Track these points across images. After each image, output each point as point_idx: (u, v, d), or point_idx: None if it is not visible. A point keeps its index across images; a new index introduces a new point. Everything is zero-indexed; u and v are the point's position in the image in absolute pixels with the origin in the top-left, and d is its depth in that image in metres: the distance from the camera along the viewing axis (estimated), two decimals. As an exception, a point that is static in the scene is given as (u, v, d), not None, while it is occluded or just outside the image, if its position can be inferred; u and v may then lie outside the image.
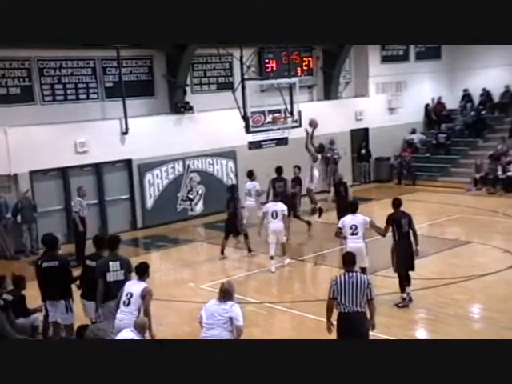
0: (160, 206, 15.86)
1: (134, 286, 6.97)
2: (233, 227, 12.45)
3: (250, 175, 13.72)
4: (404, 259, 9.00)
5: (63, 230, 14.15)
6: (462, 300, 9.42)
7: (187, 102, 16.21)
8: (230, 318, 6.11)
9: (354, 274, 6.46)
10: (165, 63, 16.17)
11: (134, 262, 7.62)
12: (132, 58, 15.71)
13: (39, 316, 8.26)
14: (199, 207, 16.66)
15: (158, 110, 16.15)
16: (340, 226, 9.46)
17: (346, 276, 6.40)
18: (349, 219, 9.40)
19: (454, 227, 14.08)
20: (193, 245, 14.17)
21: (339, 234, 9.52)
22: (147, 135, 15.42)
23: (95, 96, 15.27)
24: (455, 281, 10.02)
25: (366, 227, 9.33)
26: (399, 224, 9.00)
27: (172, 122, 16.11)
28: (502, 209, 15.25)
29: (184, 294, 10.41)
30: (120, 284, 7.27)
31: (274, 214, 11.43)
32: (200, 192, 16.63)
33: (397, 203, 9.23)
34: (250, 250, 12.54)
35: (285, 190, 13.40)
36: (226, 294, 6.23)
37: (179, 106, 16.09)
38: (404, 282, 9.09)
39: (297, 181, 14.49)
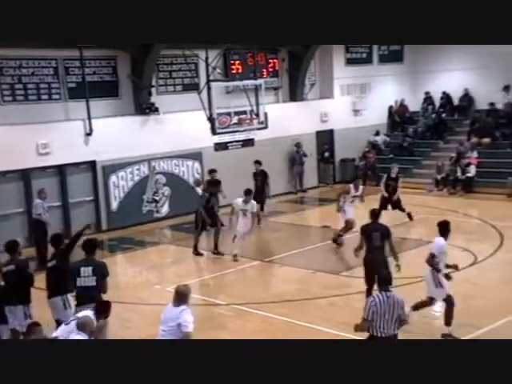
0: (125, 208, 15.68)
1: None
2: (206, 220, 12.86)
3: (248, 193, 12.45)
4: (370, 273, 8.46)
5: (24, 233, 13.85)
6: (418, 298, 9.57)
7: (152, 103, 16.07)
8: (179, 324, 5.86)
9: (391, 294, 6.02)
10: (129, 64, 16.00)
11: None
12: (95, 59, 15.48)
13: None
14: (165, 209, 16.53)
15: (122, 111, 15.96)
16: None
17: (384, 296, 5.96)
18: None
19: (416, 227, 14.34)
20: (159, 247, 14.06)
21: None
22: (112, 136, 15.23)
23: (58, 96, 14.99)
24: (418, 280, 10.18)
25: (430, 252, 8.13)
26: (369, 237, 8.49)
27: (137, 124, 15.95)
28: (462, 209, 15.60)
29: (150, 297, 10.32)
30: (90, 290, 7.19)
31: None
32: (166, 194, 16.51)
33: (373, 214, 8.73)
34: (216, 248, 12.57)
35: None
36: (180, 297, 6.00)
37: (144, 107, 15.93)
38: (369, 293, 8.53)
39: (261, 175, 14.88)
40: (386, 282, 6.13)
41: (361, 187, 12.92)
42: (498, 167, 17.44)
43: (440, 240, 7.99)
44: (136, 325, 9.05)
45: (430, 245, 12.32)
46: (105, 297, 7.47)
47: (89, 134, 14.99)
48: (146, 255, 13.47)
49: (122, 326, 8.63)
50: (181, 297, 6.01)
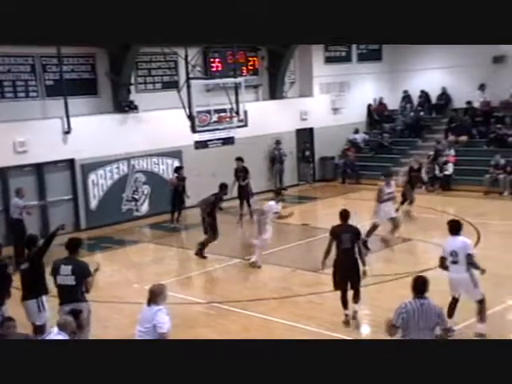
0: (104, 207, 15.57)
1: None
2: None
3: (278, 192, 12.51)
4: (342, 278, 8.24)
5: (1, 231, 13.68)
6: (403, 296, 9.64)
7: (132, 101, 15.97)
8: (154, 326, 5.79)
9: (426, 301, 5.63)
10: (108, 61, 15.88)
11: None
12: (73, 56, 15.33)
13: None
14: (145, 208, 16.46)
15: (101, 109, 15.83)
16: (442, 254, 7.77)
17: (418, 303, 5.58)
18: (449, 244, 7.73)
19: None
20: (138, 246, 13.99)
21: (444, 264, 7.75)
22: (91, 135, 15.10)
23: (35, 94, 14.82)
24: (397, 277, 10.30)
25: (469, 253, 7.61)
26: (339, 239, 8.17)
27: (116, 122, 15.84)
28: (440, 206, 15.79)
29: (129, 296, 10.26)
30: (69, 289, 7.12)
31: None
32: (145, 192, 16.43)
33: (342, 215, 8.41)
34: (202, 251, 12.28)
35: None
36: (153, 296, 5.93)
37: (123, 105, 15.83)
38: (344, 298, 8.36)
39: (243, 171, 15.05)
40: (418, 289, 5.68)
41: (392, 183, 12.39)
42: (474, 165, 17.69)
43: (464, 238, 7.72)
44: (115, 324, 9.00)
45: (411, 242, 12.47)
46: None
47: (67, 132, 14.85)
48: (125, 254, 13.40)
49: (101, 325, 8.58)
50: (154, 296, 5.94)
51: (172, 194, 15.20)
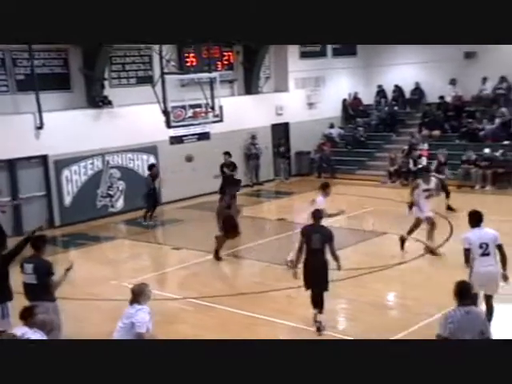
0: (79, 203, 15.40)
1: None
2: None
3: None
4: (310, 279, 7.97)
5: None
6: (379, 289, 9.83)
7: (105, 96, 15.79)
8: (133, 324, 5.78)
9: (471, 308, 5.33)
10: (81, 56, 15.65)
11: (52, 261, 7.38)
12: (45, 50, 15.08)
13: None
14: (120, 204, 16.33)
15: (74, 104, 15.62)
16: (467, 246, 7.31)
17: (463, 311, 5.23)
18: (476, 236, 7.32)
19: (370, 219, 14.63)
20: (114, 242, 13.88)
21: (469, 257, 7.28)
22: (64, 130, 14.90)
23: (5, 89, 14.54)
24: (372, 270, 10.43)
25: (500, 244, 7.30)
26: (309, 239, 7.93)
27: (90, 117, 15.65)
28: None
29: (106, 293, 10.19)
30: (32, 288, 7.03)
31: None
32: (120, 188, 16.29)
33: (314, 215, 8.23)
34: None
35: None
36: (134, 296, 5.94)
37: (97, 101, 15.65)
38: (315, 301, 8.02)
39: (231, 166, 15.09)
40: (463, 295, 5.34)
41: (433, 180, 11.79)
42: (447, 159, 17.93)
43: (492, 229, 7.42)
44: (91, 322, 8.93)
45: (386, 235, 12.60)
46: (57, 294, 7.36)
47: (39, 128, 14.63)
48: (100, 251, 13.28)
49: (77, 323, 8.50)
50: (134, 296, 5.94)
51: (146, 192, 15.01)
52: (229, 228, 11.57)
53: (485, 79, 19.19)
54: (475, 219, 7.40)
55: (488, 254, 7.18)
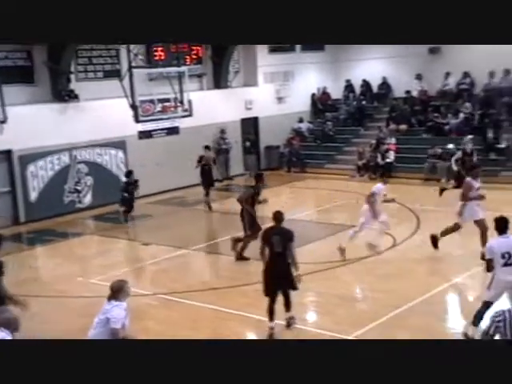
0: (45, 199, 15.13)
1: None
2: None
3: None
4: (274, 284, 7.68)
5: None
6: (349, 282, 9.93)
7: (72, 90, 15.54)
8: (108, 319, 5.75)
9: None
10: (46, 49, 15.35)
11: (16, 258, 7.24)
12: (8, 42, 14.73)
13: None
14: (88, 199, 16.10)
15: (39, 97, 15.32)
16: (488, 256, 6.99)
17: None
18: (500, 244, 6.94)
19: (339, 212, 14.76)
20: (82, 238, 13.69)
21: (491, 266, 6.96)
22: (28, 124, 14.57)
23: (-35, 82, 14.17)
24: (342, 263, 10.53)
25: None
26: (270, 242, 7.62)
27: (56, 111, 15.38)
28: (382, 193, 16.14)
29: (73, 290, 10.06)
30: None
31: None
32: (88, 183, 16.07)
33: (275, 217, 7.82)
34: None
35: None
36: (112, 293, 5.90)
37: (63, 94, 15.39)
38: (271, 307, 7.73)
39: (211, 160, 15.39)
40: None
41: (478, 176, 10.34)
42: (414, 153, 18.22)
43: None
44: (58, 319, 8.79)
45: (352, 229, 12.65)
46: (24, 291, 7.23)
47: (3, 122, 14.27)
48: (68, 247, 13.09)
49: (43, 320, 8.37)
50: (113, 292, 5.90)
51: (122, 197, 14.33)
52: (258, 228, 10.61)
53: (448, 74, 19.52)
54: (500, 226, 7.05)
55: (510, 264, 6.83)
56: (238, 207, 11.34)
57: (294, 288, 7.74)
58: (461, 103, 18.74)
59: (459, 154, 15.04)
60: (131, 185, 14.33)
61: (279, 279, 7.65)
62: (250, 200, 10.93)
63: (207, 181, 15.36)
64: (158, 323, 8.46)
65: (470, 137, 15.60)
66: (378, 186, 11.04)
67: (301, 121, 21.41)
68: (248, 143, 19.85)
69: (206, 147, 15.86)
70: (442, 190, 12.34)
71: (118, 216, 14.97)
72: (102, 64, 16.53)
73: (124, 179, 14.67)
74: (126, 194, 14.23)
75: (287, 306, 7.86)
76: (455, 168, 14.84)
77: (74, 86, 15.69)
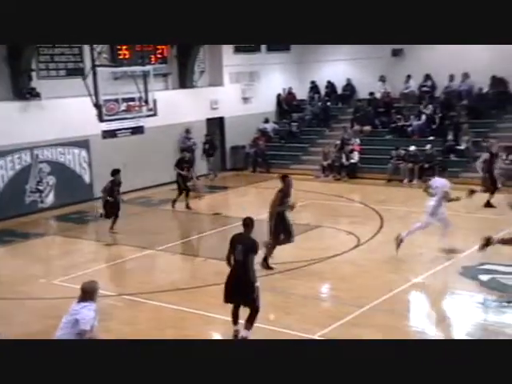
0: (5, 199, 14.78)
1: None
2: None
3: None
4: (230, 293, 7.46)
5: None
6: (313, 281, 10.01)
7: (33, 88, 15.24)
8: (77, 320, 5.65)
9: None
10: (5, 46, 14.99)
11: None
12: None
13: None
14: (50, 199, 15.82)
15: (-2, 95, 14.99)
16: None
17: None
18: None
19: (305, 212, 14.85)
20: (44, 238, 13.44)
21: None
22: (-12, 123, 14.26)
23: None
24: (307, 263, 10.62)
25: None
26: (234, 249, 7.43)
27: (16, 110, 15.05)
28: (346, 193, 16.39)
29: (35, 291, 9.87)
30: None
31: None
32: (50, 183, 15.78)
33: (244, 223, 7.59)
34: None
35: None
36: (83, 294, 5.80)
37: (24, 93, 15.08)
38: (234, 312, 7.58)
39: (189, 162, 15.50)
40: None
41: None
42: (378, 154, 18.49)
43: None
44: (19, 321, 8.62)
45: (320, 228, 12.78)
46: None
47: (-38, 120, 13.95)
48: (29, 248, 12.82)
49: (6, 322, 8.20)
50: (84, 293, 5.81)
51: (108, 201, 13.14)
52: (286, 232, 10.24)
53: (409, 77, 19.89)
54: None
55: None
56: (202, 207, 11.35)
57: (249, 303, 7.35)
58: (424, 105, 19.11)
59: (486, 155, 13.99)
60: (117, 186, 13.02)
61: (236, 288, 7.38)
62: (279, 203, 10.25)
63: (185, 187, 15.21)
64: (120, 323, 8.38)
65: (495, 140, 14.71)
66: (443, 182, 10.28)
67: (266, 121, 21.48)
68: (207, 145, 19.24)
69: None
70: (471, 192, 11.89)
71: (81, 216, 14.77)
72: (65, 62, 16.25)
73: (110, 178, 13.07)
74: (109, 198, 12.88)
75: (247, 320, 7.39)
76: (481, 171, 13.85)
77: (35, 83, 15.39)
